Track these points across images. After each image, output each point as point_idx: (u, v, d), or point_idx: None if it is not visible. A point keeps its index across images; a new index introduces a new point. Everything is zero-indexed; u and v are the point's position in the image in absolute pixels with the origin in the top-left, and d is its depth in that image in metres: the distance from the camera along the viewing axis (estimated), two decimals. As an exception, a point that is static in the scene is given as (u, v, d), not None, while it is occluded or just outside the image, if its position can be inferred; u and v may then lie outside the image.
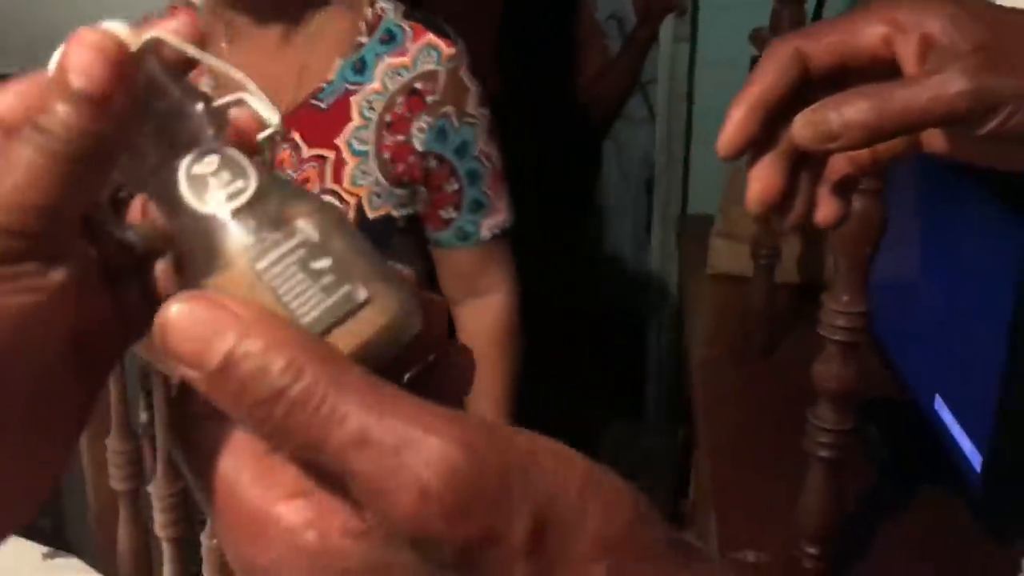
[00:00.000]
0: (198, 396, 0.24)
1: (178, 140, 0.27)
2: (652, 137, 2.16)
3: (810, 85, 0.43)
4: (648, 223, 2.25)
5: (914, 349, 1.08)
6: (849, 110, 0.40)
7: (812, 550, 0.84)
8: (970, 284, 0.96)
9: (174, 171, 0.26)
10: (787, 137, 0.43)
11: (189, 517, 0.84)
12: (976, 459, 0.89)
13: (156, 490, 0.83)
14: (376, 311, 0.25)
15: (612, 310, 2.46)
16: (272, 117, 0.28)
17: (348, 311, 0.25)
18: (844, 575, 0.88)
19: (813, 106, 0.41)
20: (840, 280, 0.75)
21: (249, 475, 0.24)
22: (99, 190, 0.27)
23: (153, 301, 0.28)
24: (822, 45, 0.43)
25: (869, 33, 0.42)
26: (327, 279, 0.25)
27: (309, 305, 0.25)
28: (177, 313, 0.23)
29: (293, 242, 0.25)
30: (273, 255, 0.25)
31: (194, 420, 0.25)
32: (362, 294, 0.25)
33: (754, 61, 1.77)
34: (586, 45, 2.28)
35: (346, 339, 0.25)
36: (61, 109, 0.24)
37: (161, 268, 0.29)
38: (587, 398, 2.60)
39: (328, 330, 0.25)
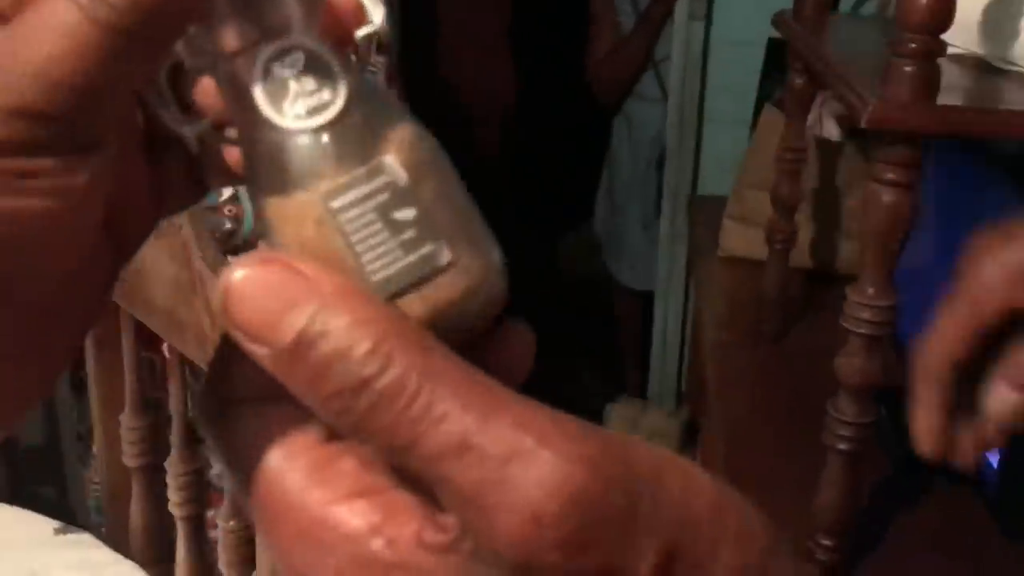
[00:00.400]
0: (237, 377, 0.22)
1: (262, 24, 0.22)
2: (664, 116, 2.15)
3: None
4: (657, 203, 2.24)
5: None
6: None
7: (827, 542, 0.84)
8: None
9: (251, 64, 0.22)
10: (949, 390, 0.52)
11: (205, 495, 0.84)
12: (992, 453, 0.89)
13: (172, 467, 0.83)
14: (457, 277, 0.22)
15: (619, 289, 2.46)
16: (376, 12, 0.25)
17: (426, 274, 0.21)
18: (858, 567, 0.88)
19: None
20: (867, 273, 0.74)
21: (300, 470, 0.21)
22: (152, 71, 0.22)
23: (198, 179, 0.25)
24: (965, 347, 0.50)
25: (991, 314, 0.49)
26: (408, 233, 0.21)
27: (383, 261, 0.21)
28: (244, 278, 0.20)
29: (377, 183, 0.21)
30: (351, 195, 0.21)
31: (231, 405, 0.22)
32: (445, 256, 0.22)
33: (771, 43, 1.76)
34: (598, 22, 2.26)
35: (416, 306, 0.21)
36: None
37: (230, 153, 0.24)
38: (591, 377, 2.60)
39: (399, 293, 0.21)
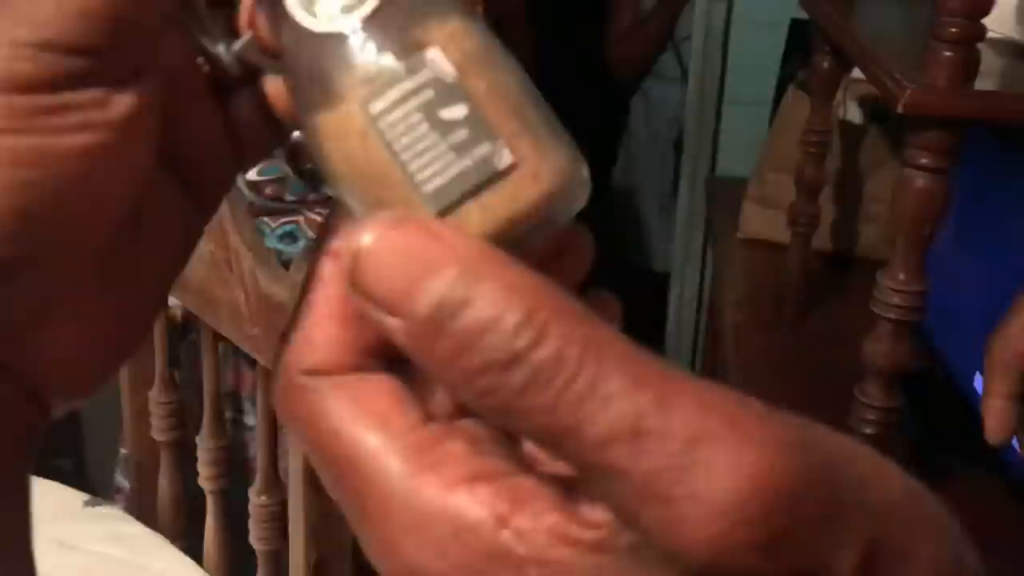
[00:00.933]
0: (318, 348, 0.20)
1: None
2: (683, 96, 2.14)
3: None
4: (675, 183, 2.23)
5: (954, 325, 1.08)
6: None
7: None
8: (1012, 260, 0.95)
9: None
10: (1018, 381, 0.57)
11: (235, 470, 0.85)
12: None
13: (202, 442, 0.84)
14: (523, 180, 0.19)
15: (635, 269, 2.45)
16: None
17: (484, 180, 0.19)
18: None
19: None
20: (897, 258, 0.74)
21: (404, 453, 0.18)
22: None
23: (271, 119, 0.24)
24: None
25: None
26: (460, 134, 0.19)
27: (433, 168, 0.19)
28: (376, 242, 0.18)
29: (419, 79, 0.19)
30: (392, 95, 0.19)
31: (311, 379, 0.20)
32: (505, 158, 0.19)
33: (793, 24, 1.75)
34: (618, 1, 2.24)
35: (475, 217, 0.19)
36: None
37: (273, 85, 0.23)
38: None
39: (455, 204, 0.19)
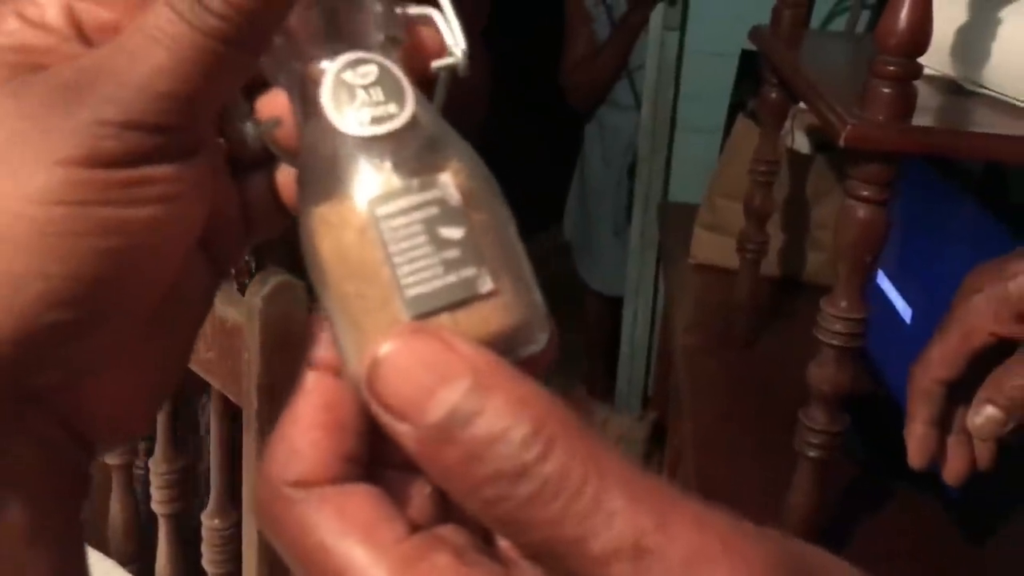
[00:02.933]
0: (297, 463, 0.20)
1: (341, 35, 0.22)
2: (637, 124, 2.17)
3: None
4: (628, 209, 2.26)
5: (895, 350, 1.11)
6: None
7: (797, 545, 0.86)
8: (950, 284, 0.98)
9: (323, 70, 0.22)
10: (939, 407, 0.59)
11: (188, 494, 0.85)
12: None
13: (155, 466, 0.83)
14: (496, 309, 0.21)
15: (588, 294, 2.48)
16: (459, 46, 0.24)
17: (464, 299, 0.20)
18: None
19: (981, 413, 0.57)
20: (840, 286, 0.77)
21: (388, 566, 0.19)
22: (247, 78, 0.22)
23: (279, 202, 0.25)
24: (955, 369, 0.56)
25: (979, 340, 0.55)
26: (452, 253, 0.21)
27: (421, 276, 0.20)
28: (393, 351, 0.19)
29: (427, 196, 0.21)
30: (400, 203, 0.21)
31: (290, 497, 0.20)
32: (487, 284, 0.21)
33: (744, 55, 1.79)
34: (573, 29, 2.28)
35: (448, 331, 0.20)
36: None
37: (285, 173, 0.25)
38: (559, 380, 2.60)
39: (431, 314, 0.20)
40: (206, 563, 0.79)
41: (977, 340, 0.56)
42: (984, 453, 0.60)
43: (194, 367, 0.74)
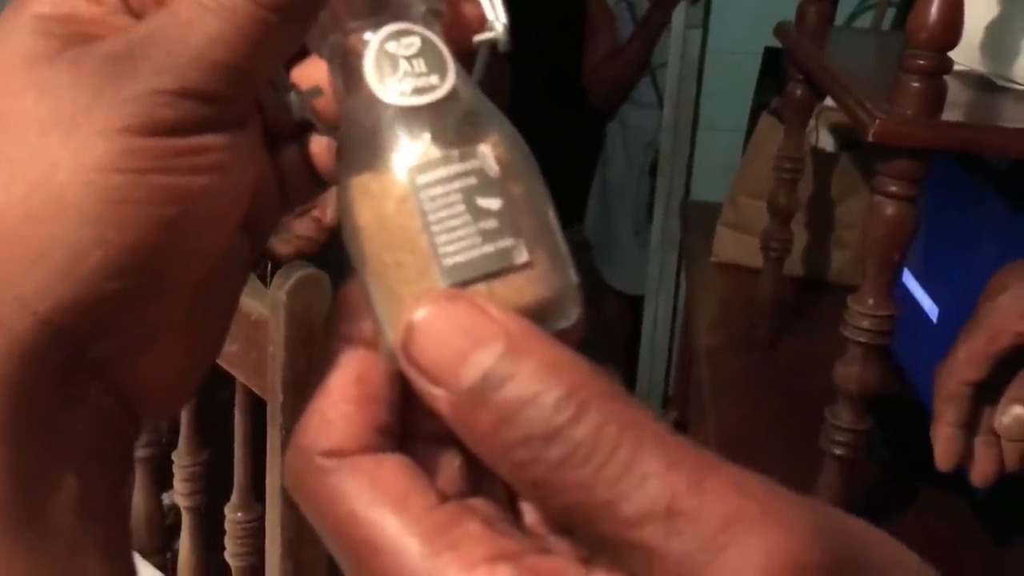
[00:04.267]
0: (329, 434, 0.20)
1: (383, 6, 0.22)
2: (659, 122, 2.17)
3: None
4: (650, 208, 2.26)
5: (921, 349, 1.10)
6: None
7: (821, 545, 0.86)
8: (978, 282, 0.97)
9: (365, 41, 0.22)
10: (966, 408, 0.59)
11: (211, 487, 0.85)
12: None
13: (179, 459, 0.84)
14: (531, 280, 0.21)
15: (609, 293, 2.47)
16: (499, 20, 0.24)
17: (500, 269, 0.21)
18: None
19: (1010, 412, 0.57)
20: (867, 283, 0.76)
21: (424, 535, 0.19)
22: (295, 48, 0.22)
23: (313, 170, 0.26)
24: (982, 370, 0.56)
25: (1004, 341, 0.55)
26: (490, 223, 0.21)
27: (458, 246, 0.20)
28: (428, 316, 0.19)
29: (467, 166, 0.21)
30: (439, 173, 0.21)
31: (322, 466, 0.20)
32: (523, 255, 0.21)
33: (768, 52, 1.78)
34: (596, 27, 2.28)
35: (482, 299, 0.20)
36: None
37: (319, 143, 0.25)
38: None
39: (468, 282, 0.20)
40: (229, 556, 0.79)
41: (1003, 341, 0.56)
42: (1012, 454, 0.60)
43: (219, 360, 0.74)
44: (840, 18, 1.81)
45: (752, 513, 0.17)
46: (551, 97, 2.41)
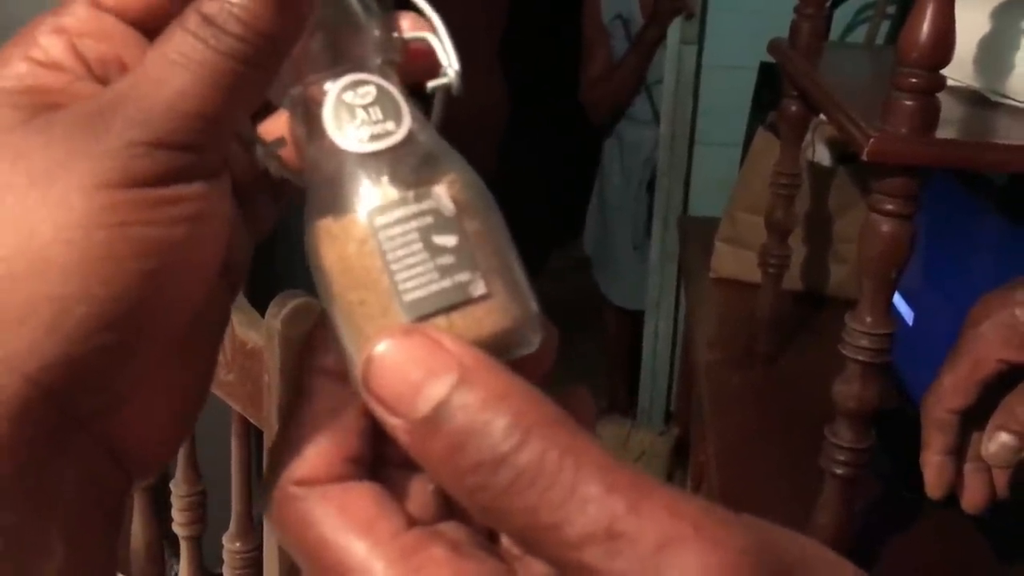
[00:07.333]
0: (301, 463, 0.21)
1: (341, 57, 0.23)
2: (655, 138, 2.17)
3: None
4: (648, 223, 2.26)
5: (922, 365, 1.09)
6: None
7: (824, 564, 0.85)
8: (975, 298, 0.97)
9: (324, 91, 0.23)
10: (954, 436, 0.60)
11: (208, 516, 0.85)
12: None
13: (176, 488, 0.83)
14: (490, 312, 0.22)
15: (609, 308, 2.47)
16: (452, 66, 0.25)
17: (457, 302, 0.22)
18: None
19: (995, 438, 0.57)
20: (865, 301, 0.76)
21: (390, 560, 0.20)
22: (263, 97, 0.23)
23: (281, 209, 0.26)
24: (967, 398, 0.57)
25: (988, 368, 0.55)
26: (446, 259, 0.22)
27: (416, 282, 0.21)
28: (386, 349, 0.20)
29: (423, 206, 0.22)
30: (396, 213, 0.22)
31: (294, 494, 0.21)
32: (479, 288, 0.22)
33: (764, 67, 1.78)
34: (591, 45, 2.28)
35: (443, 332, 0.21)
36: (238, 1, 0.21)
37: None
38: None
39: (426, 317, 0.21)
40: (227, 586, 0.79)
41: (987, 368, 0.56)
42: (1001, 480, 0.60)
43: (215, 390, 0.74)
44: (835, 32, 1.81)
45: (686, 533, 0.18)
46: (549, 115, 2.41)
